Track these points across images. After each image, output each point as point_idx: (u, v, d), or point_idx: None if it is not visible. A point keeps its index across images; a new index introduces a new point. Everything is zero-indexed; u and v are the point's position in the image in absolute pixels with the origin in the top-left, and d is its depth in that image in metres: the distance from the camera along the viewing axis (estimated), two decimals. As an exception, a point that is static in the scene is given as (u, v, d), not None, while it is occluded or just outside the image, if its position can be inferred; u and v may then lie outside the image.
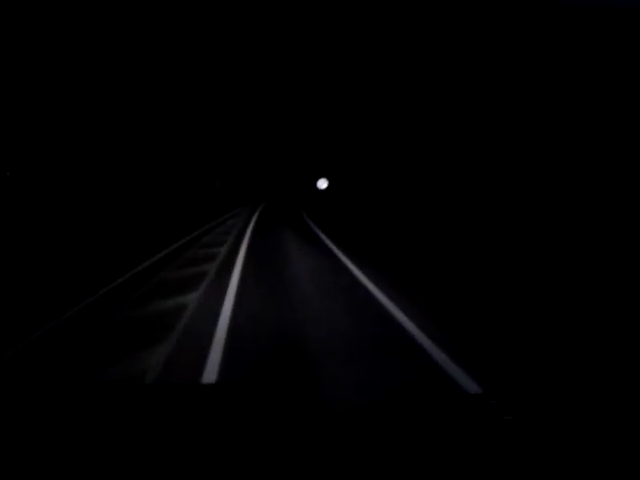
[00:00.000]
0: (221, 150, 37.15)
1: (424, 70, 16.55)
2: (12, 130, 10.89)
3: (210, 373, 3.60)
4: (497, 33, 12.80)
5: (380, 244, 12.17)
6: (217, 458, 0.88)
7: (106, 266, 6.77)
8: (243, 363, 3.87)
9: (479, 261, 8.76)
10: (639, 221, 7.74)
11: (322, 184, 29.36)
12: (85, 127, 13.09)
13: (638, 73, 9.19)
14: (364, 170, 27.46)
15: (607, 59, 9.95)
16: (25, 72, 11.29)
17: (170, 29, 15.80)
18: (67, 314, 4.55)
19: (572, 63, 10.62)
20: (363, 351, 4.02)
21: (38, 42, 11.73)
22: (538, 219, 10.11)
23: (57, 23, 12.26)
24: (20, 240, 8.07)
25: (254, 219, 21.51)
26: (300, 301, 5.94)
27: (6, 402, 1.14)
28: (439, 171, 16.39)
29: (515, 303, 5.76)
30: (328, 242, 12.40)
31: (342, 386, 3.31)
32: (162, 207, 17.34)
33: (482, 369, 3.47)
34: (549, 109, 11.21)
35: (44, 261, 6.86)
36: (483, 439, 0.99)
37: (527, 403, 1.05)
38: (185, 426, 0.98)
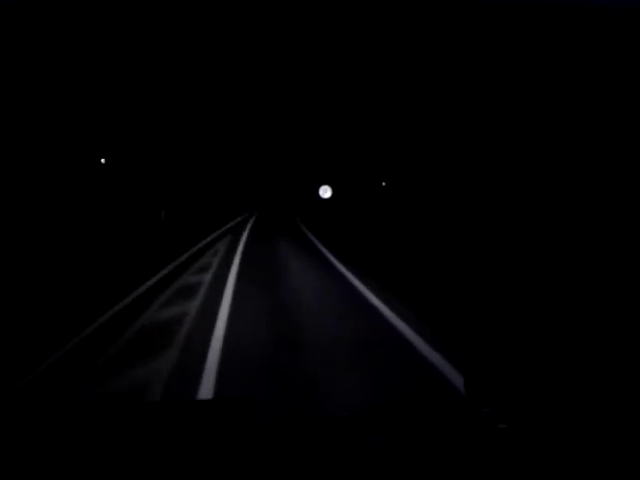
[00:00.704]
0: (198, 155, 30.29)
1: (426, 73, 16.56)
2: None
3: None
4: (497, 34, 12.80)
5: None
6: (215, 474, 0.88)
7: None
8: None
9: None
10: (638, 220, 7.74)
11: (325, 192, 22.86)
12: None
13: (638, 73, 9.18)
14: (372, 175, 25.75)
15: (607, 59, 9.95)
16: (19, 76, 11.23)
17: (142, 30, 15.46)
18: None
19: (572, 63, 10.62)
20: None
21: (35, 45, 11.72)
22: (537, 218, 10.11)
23: (55, 24, 12.25)
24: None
25: (244, 237, 15.90)
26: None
27: (10, 413, 1.14)
28: (449, 175, 16.28)
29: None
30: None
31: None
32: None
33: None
34: (549, 109, 11.20)
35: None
36: (477, 448, 0.99)
37: (521, 410, 1.04)
38: (184, 444, 0.99)
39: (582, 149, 10.22)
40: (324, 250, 12.33)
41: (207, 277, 8.34)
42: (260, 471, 0.86)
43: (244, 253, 11.83)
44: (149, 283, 7.37)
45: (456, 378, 3.77)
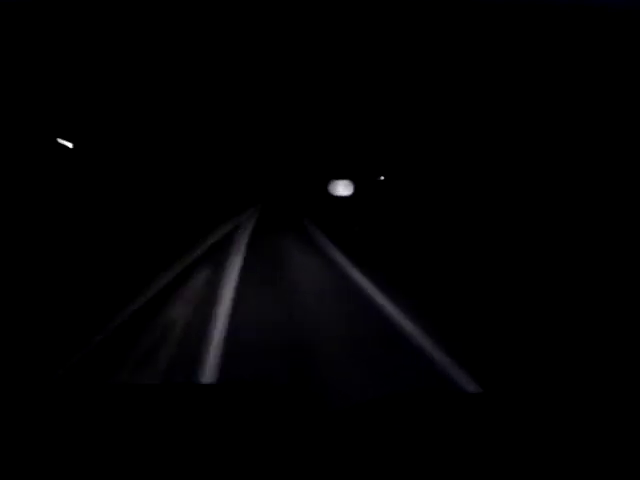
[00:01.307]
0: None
1: (427, 70, 16.54)
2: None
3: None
4: (497, 34, 12.81)
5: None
6: (219, 458, 0.88)
7: None
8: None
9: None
10: (638, 221, 7.75)
11: (343, 189, 13.11)
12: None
13: (638, 73, 9.19)
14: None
15: (607, 59, 9.96)
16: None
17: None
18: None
19: (572, 63, 10.63)
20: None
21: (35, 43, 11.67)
22: (537, 219, 10.12)
23: (55, 23, 12.22)
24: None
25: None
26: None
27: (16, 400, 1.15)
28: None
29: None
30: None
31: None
32: None
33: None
34: (548, 109, 11.22)
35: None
36: (477, 437, 0.99)
37: (526, 401, 1.04)
38: (188, 427, 0.99)
39: (582, 149, 10.23)
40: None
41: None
42: (263, 458, 0.86)
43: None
44: None
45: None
